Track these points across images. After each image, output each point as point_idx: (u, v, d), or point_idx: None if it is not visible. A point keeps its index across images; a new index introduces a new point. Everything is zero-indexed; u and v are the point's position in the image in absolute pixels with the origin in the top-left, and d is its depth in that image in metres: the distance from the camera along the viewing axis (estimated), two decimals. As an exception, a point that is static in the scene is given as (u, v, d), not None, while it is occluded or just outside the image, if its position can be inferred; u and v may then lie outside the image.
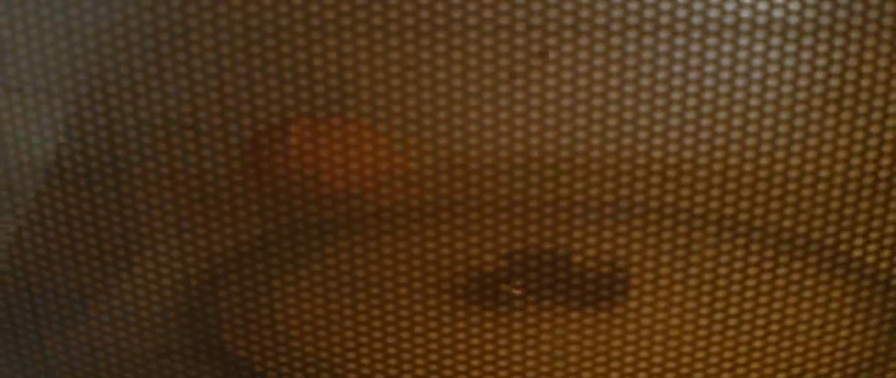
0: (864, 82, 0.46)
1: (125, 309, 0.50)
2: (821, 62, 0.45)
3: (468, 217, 0.50)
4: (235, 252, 0.51)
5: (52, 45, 0.46)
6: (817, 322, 0.51)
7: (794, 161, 0.47)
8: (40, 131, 0.48)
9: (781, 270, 0.51)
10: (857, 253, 0.50)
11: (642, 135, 0.47)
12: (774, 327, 0.51)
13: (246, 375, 0.52)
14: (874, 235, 0.49)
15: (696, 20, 0.46)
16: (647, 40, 0.46)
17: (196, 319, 0.53)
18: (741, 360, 0.52)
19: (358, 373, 0.53)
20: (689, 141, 0.47)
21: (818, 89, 0.46)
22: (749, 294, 0.51)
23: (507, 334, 0.52)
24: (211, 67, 0.48)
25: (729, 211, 0.49)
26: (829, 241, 0.49)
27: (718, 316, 0.51)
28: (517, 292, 0.54)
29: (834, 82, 0.46)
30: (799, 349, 0.51)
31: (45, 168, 0.50)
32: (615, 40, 0.46)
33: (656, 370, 0.52)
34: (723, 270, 0.51)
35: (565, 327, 0.52)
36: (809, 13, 0.44)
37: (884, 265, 0.50)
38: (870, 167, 0.48)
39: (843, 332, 0.51)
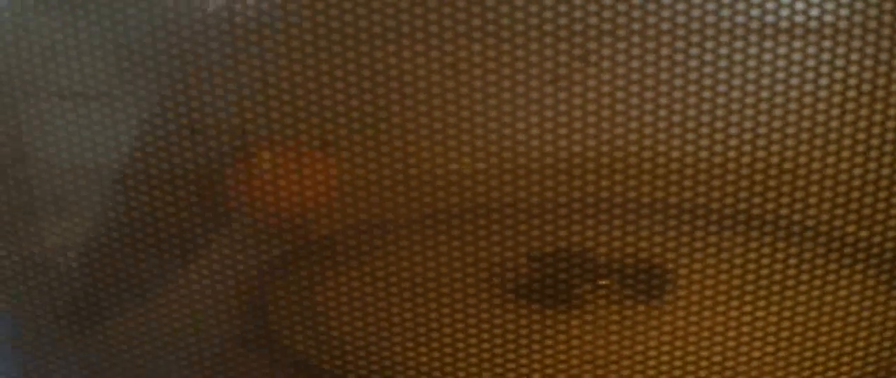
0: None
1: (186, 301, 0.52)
2: (842, 61, 0.47)
3: (516, 218, 0.53)
4: (291, 250, 0.54)
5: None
6: (854, 317, 0.53)
7: (828, 159, 0.49)
8: (93, 137, 0.51)
9: (820, 268, 0.53)
10: (889, 245, 0.51)
11: (676, 135, 0.49)
12: (813, 321, 0.53)
13: (301, 368, 0.55)
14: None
15: (725, 25, 0.48)
16: (679, 44, 0.48)
17: (255, 312, 0.55)
18: (783, 354, 0.53)
19: (416, 370, 0.55)
20: (720, 140, 0.49)
21: (844, 87, 0.48)
22: (789, 291, 0.53)
23: (561, 331, 0.55)
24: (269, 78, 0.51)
25: (763, 209, 0.51)
26: (863, 235, 0.51)
27: (760, 313, 0.53)
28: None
29: (858, 79, 0.48)
30: (836, 344, 0.53)
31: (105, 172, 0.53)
32: (649, 44, 0.48)
33: (703, 363, 0.54)
34: (764, 268, 0.53)
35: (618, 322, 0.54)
36: (828, 17, 0.46)
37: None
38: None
39: (878, 327, 0.53)
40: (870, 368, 0.53)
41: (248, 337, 0.55)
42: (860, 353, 0.53)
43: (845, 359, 0.53)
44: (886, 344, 0.53)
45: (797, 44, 0.47)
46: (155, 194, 0.50)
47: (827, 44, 0.46)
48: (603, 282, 0.55)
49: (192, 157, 0.49)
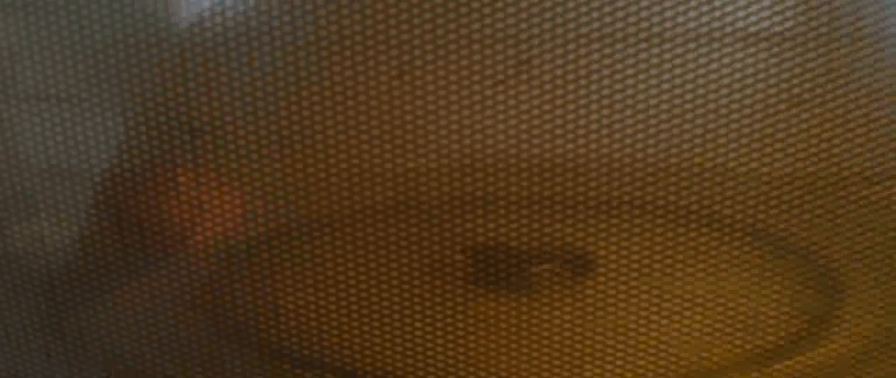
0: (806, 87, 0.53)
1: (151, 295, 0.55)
2: (773, 69, 0.52)
3: (454, 212, 0.56)
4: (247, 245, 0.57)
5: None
6: (761, 298, 0.58)
7: (744, 159, 0.54)
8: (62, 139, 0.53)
9: (728, 254, 0.58)
10: (800, 241, 0.57)
11: (611, 136, 0.54)
12: (720, 301, 0.58)
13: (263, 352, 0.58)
14: (817, 225, 0.56)
15: (655, 31, 0.53)
16: (608, 50, 0.52)
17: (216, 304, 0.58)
18: (695, 332, 0.58)
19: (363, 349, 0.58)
20: (651, 141, 0.54)
21: (764, 92, 0.53)
22: (700, 275, 0.58)
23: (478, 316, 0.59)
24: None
25: (686, 204, 0.56)
26: (779, 230, 0.56)
27: (675, 295, 0.58)
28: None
29: (777, 85, 0.53)
30: (742, 318, 0.58)
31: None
32: (584, 51, 0.52)
33: (628, 339, 0.58)
34: (678, 256, 0.58)
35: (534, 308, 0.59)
36: (765, 23, 0.50)
37: (822, 250, 0.57)
38: (809, 165, 0.55)
39: (785, 308, 0.58)
40: (770, 338, 0.58)
41: (212, 326, 0.58)
42: (770, 330, 0.59)
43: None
44: (794, 320, 0.59)
45: (723, 50, 0.51)
46: (121, 195, 0.52)
47: (751, 51, 0.51)
48: (536, 269, 0.60)
49: (158, 157, 0.51)
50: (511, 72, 0.53)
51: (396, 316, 0.58)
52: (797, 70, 0.51)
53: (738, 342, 0.59)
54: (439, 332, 0.58)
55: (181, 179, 0.54)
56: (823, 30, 0.50)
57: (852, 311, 0.59)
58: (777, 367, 0.59)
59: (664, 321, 0.58)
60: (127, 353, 0.57)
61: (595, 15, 0.52)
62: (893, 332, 0.58)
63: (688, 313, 0.58)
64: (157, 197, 0.54)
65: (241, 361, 0.57)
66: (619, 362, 0.58)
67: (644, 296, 0.57)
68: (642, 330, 0.58)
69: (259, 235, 0.57)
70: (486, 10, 0.52)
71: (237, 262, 0.57)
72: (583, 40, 0.52)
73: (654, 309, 0.58)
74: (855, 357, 0.59)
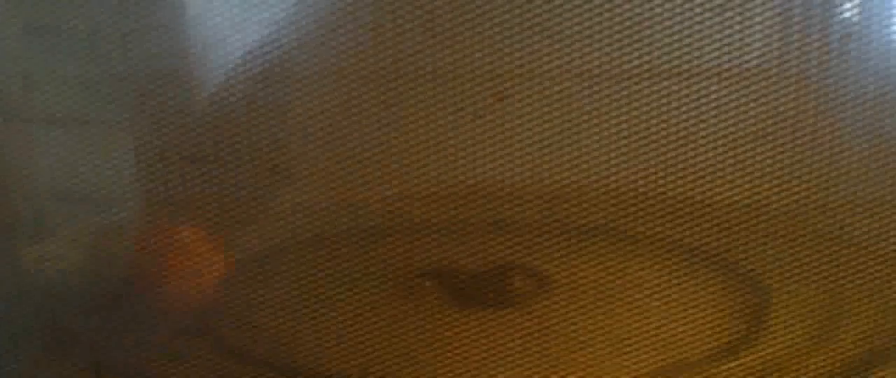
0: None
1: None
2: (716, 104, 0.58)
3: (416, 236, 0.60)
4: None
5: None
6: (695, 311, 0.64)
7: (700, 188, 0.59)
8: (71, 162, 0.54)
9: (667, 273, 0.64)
10: (732, 257, 0.63)
11: (578, 166, 0.58)
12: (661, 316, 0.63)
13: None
14: (749, 244, 0.62)
15: (614, 70, 0.58)
16: (585, 85, 0.57)
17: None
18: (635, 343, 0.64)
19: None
20: (614, 170, 0.59)
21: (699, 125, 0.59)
22: (641, 293, 0.63)
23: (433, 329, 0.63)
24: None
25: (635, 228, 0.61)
26: (717, 250, 0.62)
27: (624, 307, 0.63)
28: (428, 284, 0.65)
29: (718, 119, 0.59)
30: (683, 334, 0.63)
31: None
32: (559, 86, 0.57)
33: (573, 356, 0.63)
34: (620, 275, 0.63)
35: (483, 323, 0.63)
36: (726, 63, 0.56)
37: (752, 266, 0.63)
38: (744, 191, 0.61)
39: (718, 320, 0.64)
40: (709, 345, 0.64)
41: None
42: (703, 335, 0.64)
43: (690, 340, 0.64)
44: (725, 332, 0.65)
45: (675, 86, 0.57)
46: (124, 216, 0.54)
47: (713, 87, 0.56)
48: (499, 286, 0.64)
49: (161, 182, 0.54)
50: (488, 104, 0.57)
51: (364, 330, 0.61)
52: (752, 106, 0.57)
53: (678, 350, 0.64)
54: (405, 345, 0.62)
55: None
56: (777, 70, 0.56)
57: (778, 324, 0.65)
58: (712, 371, 0.65)
59: (613, 332, 0.63)
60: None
61: (566, 52, 0.56)
62: (813, 339, 0.64)
63: (635, 324, 0.63)
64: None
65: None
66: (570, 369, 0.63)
67: (595, 310, 0.62)
68: (593, 340, 0.63)
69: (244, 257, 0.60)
70: (466, 46, 0.56)
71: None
72: (555, 76, 0.57)
73: (605, 322, 0.63)
74: (779, 361, 0.65)
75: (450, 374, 0.61)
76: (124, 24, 0.54)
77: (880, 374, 0.63)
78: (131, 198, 0.55)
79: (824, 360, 0.63)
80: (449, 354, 0.62)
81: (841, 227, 0.60)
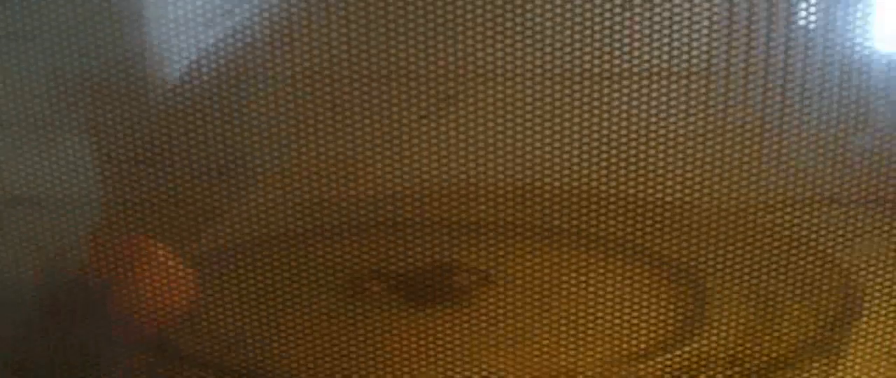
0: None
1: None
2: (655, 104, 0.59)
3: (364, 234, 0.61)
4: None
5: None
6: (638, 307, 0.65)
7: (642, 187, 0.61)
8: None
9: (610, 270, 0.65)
10: (672, 255, 0.64)
11: (523, 166, 0.59)
12: (606, 312, 0.65)
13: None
14: (685, 241, 0.63)
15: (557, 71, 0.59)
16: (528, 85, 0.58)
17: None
18: (577, 336, 0.65)
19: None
20: (558, 170, 0.60)
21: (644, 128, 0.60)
22: (583, 289, 0.64)
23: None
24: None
25: (578, 226, 0.63)
26: (655, 247, 0.64)
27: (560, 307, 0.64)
28: (376, 289, 0.66)
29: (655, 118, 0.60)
30: (625, 328, 0.65)
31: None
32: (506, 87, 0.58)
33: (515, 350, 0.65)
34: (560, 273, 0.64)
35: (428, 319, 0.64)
36: (666, 62, 0.57)
37: (693, 263, 0.65)
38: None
39: (661, 315, 0.66)
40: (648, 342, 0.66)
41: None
42: (641, 331, 0.66)
43: (630, 335, 0.66)
44: (669, 326, 0.66)
45: (630, 87, 0.58)
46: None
47: (655, 87, 0.58)
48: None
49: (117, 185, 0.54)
50: (436, 106, 0.58)
51: (312, 327, 0.62)
52: (693, 105, 0.58)
53: (617, 344, 0.66)
54: (352, 341, 0.62)
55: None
56: (721, 66, 0.58)
57: (716, 318, 0.67)
58: (651, 363, 0.66)
59: (556, 327, 0.64)
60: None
61: (512, 53, 0.58)
62: (751, 334, 0.66)
63: (575, 320, 0.64)
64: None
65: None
66: (513, 362, 0.64)
67: (538, 305, 0.64)
68: (536, 334, 0.64)
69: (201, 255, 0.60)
70: (417, 48, 0.57)
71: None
72: (502, 78, 0.58)
73: (547, 316, 0.64)
74: (714, 355, 0.67)
75: (394, 372, 0.62)
76: (72, 24, 0.54)
77: (810, 367, 0.65)
78: (82, 200, 0.55)
79: (758, 353, 0.65)
80: (393, 351, 0.63)
81: (779, 225, 0.62)
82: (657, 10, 0.57)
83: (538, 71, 0.58)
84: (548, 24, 0.57)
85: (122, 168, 0.56)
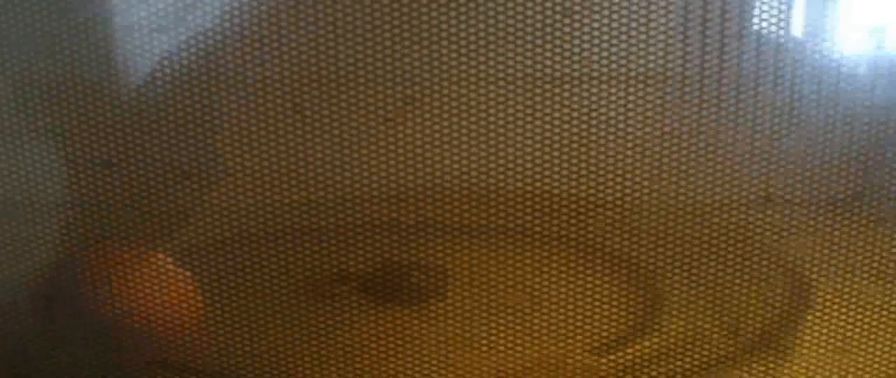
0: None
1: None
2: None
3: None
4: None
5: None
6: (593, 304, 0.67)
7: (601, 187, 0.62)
8: None
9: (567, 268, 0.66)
10: (627, 253, 0.66)
11: (483, 168, 0.60)
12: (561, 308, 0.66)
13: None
14: (638, 240, 0.65)
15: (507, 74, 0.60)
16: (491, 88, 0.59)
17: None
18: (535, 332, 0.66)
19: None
20: (515, 172, 0.61)
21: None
22: (541, 287, 0.66)
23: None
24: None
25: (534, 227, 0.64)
26: (611, 246, 0.65)
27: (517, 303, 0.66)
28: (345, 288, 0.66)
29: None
30: (583, 324, 0.66)
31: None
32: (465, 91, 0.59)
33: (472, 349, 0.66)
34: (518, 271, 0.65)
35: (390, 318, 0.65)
36: (624, 67, 0.59)
37: (645, 261, 0.66)
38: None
39: (614, 311, 0.67)
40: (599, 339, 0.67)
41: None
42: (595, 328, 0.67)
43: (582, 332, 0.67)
44: (622, 321, 0.68)
45: (589, 90, 0.59)
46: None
47: (613, 91, 0.59)
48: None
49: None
50: (398, 109, 0.59)
51: (275, 328, 0.62)
52: (647, 108, 0.60)
53: (575, 339, 0.67)
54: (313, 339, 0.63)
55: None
56: (679, 73, 0.59)
57: (667, 314, 0.69)
58: (603, 359, 0.68)
59: (513, 324, 0.65)
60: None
61: (474, 57, 0.58)
62: (701, 330, 0.68)
63: (531, 316, 0.66)
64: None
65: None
66: (471, 357, 0.65)
67: (497, 304, 0.65)
68: (492, 332, 0.66)
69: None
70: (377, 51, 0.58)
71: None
72: (463, 81, 0.59)
73: (505, 314, 0.65)
74: (668, 349, 0.69)
75: (353, 370, 0.63)
76: (33, 28, 0.54)
77: (760, 362, 0.67)
78: (43, 204, 0.55)
79: (708, 348, 0.67)
80: (351, 350, 0.64)
81: (729, 224, 0.63)
82: (606, 17, 0.58)
83: (500, 74, 0.59)
84: (509, 28, 0.58)
85: (83, 171, 0.56)
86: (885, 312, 0.63)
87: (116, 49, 0.54)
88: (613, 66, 0.59)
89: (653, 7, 0.58)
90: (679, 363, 0.68)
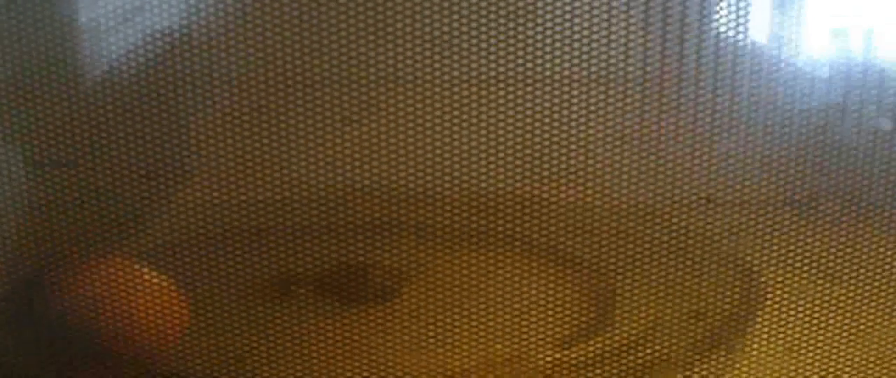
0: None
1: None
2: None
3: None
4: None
5: None
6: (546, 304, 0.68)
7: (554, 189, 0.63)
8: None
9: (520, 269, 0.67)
10: (577, 252, 0.67)
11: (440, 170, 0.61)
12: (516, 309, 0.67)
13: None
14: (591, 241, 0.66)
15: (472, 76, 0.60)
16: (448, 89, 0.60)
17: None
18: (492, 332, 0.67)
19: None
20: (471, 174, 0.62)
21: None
22: (497, 287, 0.66)
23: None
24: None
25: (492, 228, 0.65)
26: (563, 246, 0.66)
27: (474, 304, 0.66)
28: (302, 291, 0.67)
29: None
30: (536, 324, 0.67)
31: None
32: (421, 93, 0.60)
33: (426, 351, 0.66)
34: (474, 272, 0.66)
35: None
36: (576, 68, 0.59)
37: (601, 261, 0.67)
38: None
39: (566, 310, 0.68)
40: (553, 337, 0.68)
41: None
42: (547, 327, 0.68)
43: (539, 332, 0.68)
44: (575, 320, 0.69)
45: (541, 92, 0.60)
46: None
47: (564, 92, 0.60)
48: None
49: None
50: (357, 112, 0.59)
51: (232, 328, 0.63)
52: (610, 110, 0.61)
53: (530, 337, 0.68)
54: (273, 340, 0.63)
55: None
56: (640, 75, 0.60)
57: (619, 314, 0.70)
58: (565, 353, 0.69)
59: (470, 324, 0.66)
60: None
61: (431, 58, 0.59)
62: (651, 329, 0.69)
63: (487, 317, 0.66)
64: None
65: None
66: (428, 358, 0.66)
67: (453, 305, 0.66)
68: (447, 333, 0.66)
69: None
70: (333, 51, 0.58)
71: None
72: (419, 83, 0.60)
73: (462, 315, 0.66)
74: (625, 344, 0.70)
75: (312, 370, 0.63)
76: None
77: (710, 362, 0.68)
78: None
79: (658, 348, 0.68)
80: (311, 350, 0.64)
81: (680, 224, 0.64)
82: (550, 19, 0.59)
83: (455, 76, 0.59)
84: (463, 29, 0.59)
85: (41, 171, 0.56)
86: (830, 310, 0.65)
87: (74, 46, 0.54)
88: (565, 67, 0.60)
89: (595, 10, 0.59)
90: (629, 363, 0.69)
